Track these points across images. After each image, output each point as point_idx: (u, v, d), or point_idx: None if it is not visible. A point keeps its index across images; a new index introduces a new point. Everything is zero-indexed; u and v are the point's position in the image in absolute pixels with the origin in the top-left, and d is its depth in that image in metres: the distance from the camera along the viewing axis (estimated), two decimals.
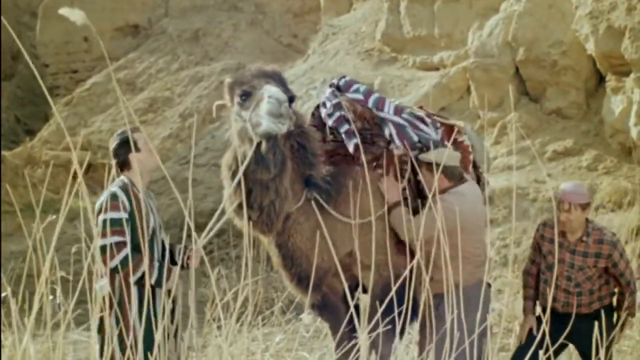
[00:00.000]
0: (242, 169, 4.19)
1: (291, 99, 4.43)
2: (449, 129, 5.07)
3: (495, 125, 12.02)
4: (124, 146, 4.30)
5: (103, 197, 4.19)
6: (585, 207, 4.91)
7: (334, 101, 4.91)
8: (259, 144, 4.33)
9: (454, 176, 4.71)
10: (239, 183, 4.29)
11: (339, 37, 17.07)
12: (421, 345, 4.71)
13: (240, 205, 4.41)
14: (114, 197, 4.17)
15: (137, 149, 4.30)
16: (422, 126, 4.93)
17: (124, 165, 4.37)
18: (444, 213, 4.09)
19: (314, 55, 17.15)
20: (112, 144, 4.41)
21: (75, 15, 3.02)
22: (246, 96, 4.44)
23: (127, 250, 4.03)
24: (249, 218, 4.36)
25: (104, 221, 4.06)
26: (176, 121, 19.51)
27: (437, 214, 3.92)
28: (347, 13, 18.51)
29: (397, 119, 4.89)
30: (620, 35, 10.13)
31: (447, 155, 4.70)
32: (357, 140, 4.72)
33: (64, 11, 3.06)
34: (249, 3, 23.69)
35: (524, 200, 9.84)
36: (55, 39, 24.42)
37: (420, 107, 5.22)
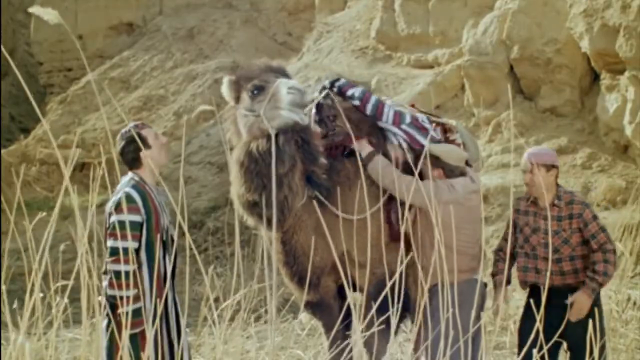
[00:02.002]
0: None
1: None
2: (441, 127, 5.10)
3: (489, 124, 12.02)
4: (133, 143, 4.13)
5: (117, 197, 4.03)
6: (549, 168, 4.96)
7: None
8: (275, 137, 4.32)
9: (452, 174, 4.76)
10: (253, 179, 4.29)
11: (334, 35, 17.05)
12: (416, 344, 4.70)
13: (250, 203, 4.40)
14: (131, 199, 4.02)
15: (148, 146, 4.18)
16: (421, 137, 4.92)
17: (133, 163, 4.20)
18: (434, 192, 4.18)
19: (309, 53, 17.13)
20: (120, 142, 4.20)
21: (47, 14, 2.93)
22: (258, 90, 4.41)
23: (138, 304, 3.85)
24: (262, 215, 4.35)
25: (121, 222, 3.89)
26: (170, 119, 19.47)
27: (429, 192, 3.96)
28: (342, 11, 18.48)
29: (396, 130, 4.89)
30: (615, 33, 10.13)
31: (454, 154, 4.77)
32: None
33: (34, 10, 2.97)
34: (243, 1, 23.65)
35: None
36: (49, 37, 24.32)
37: (412, 106, 5.22)
